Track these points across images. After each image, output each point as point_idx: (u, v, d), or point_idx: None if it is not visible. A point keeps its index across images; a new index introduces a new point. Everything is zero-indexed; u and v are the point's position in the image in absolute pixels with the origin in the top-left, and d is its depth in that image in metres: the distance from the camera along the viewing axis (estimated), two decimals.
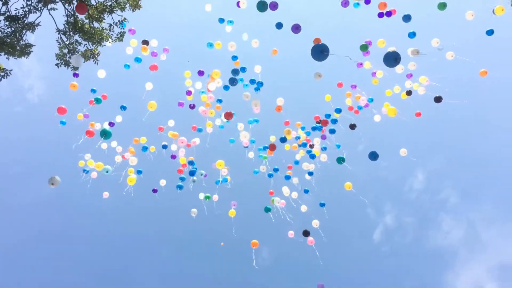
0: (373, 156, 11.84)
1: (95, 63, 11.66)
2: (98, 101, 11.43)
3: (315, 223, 13.28)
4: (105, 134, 9.62)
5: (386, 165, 27.27)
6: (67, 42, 11.23)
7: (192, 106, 12.88)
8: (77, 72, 10.64)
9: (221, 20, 11.74)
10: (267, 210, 13.40)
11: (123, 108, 12.48)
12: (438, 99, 12.69)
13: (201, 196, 13.48)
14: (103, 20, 11.18)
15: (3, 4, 10.14)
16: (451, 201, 26.77)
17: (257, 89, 12.52)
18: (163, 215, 19.22)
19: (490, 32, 11.58)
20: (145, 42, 11.10)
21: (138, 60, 11.57)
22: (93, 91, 12.33)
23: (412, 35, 11.95)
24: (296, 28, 10.50)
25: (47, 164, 18.62)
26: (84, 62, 11.51)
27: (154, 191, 14.19)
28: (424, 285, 25.80)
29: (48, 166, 17.85)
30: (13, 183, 21.93)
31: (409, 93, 12.78)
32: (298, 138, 13.97)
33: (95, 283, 23.09)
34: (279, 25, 11.12)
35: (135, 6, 11.31)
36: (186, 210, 14.62)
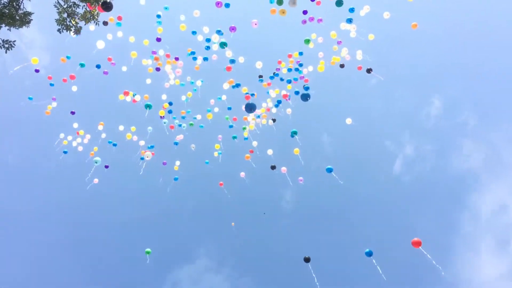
0: (304, 97, 12.63)
1: (96, 24, 11.52)
2: (82, 65, 13.65)
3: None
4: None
5: (400, 95, 26.96)
6: (65, 6, 11.03)
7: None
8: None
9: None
10: (294, 133, 14.62)
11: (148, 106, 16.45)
12: (368, 71, 13.80)
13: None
14: None
15: None
16: (470, 123, 26.54)
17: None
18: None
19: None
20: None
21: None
22: (82, 65, 14.47)
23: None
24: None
25: None
26: (85, 24, 11.39)
27: (106, 167, 16.47)
28: (448, 210, 26.17)
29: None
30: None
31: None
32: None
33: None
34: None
35: None
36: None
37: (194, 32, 15.99)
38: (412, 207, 26.66)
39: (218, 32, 15.30)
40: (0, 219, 23.81)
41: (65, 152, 17.01)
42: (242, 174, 17.80)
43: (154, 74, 16.74)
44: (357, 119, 27.46)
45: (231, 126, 17.68)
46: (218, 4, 14.36)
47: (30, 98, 16.33)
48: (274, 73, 16.29)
